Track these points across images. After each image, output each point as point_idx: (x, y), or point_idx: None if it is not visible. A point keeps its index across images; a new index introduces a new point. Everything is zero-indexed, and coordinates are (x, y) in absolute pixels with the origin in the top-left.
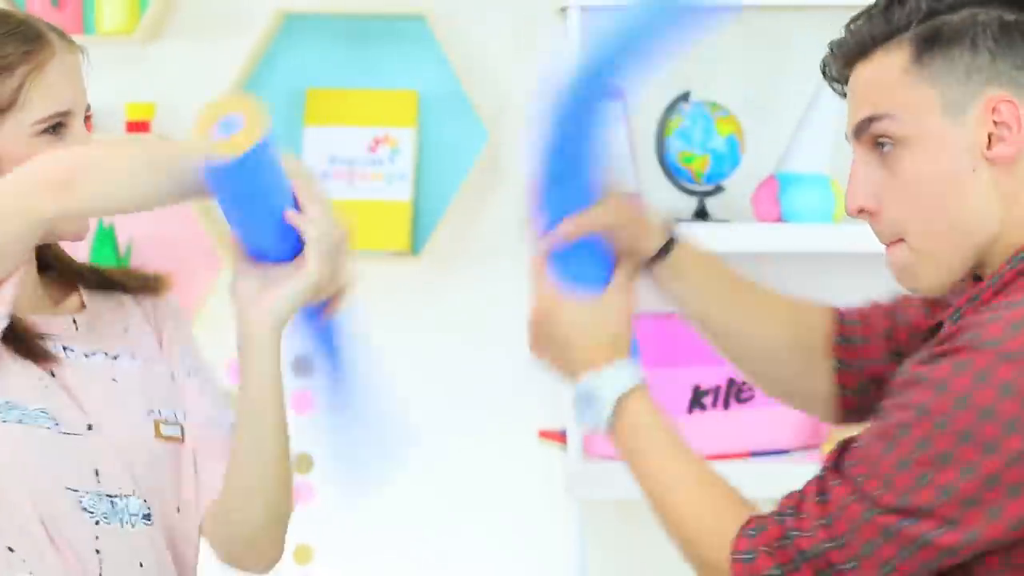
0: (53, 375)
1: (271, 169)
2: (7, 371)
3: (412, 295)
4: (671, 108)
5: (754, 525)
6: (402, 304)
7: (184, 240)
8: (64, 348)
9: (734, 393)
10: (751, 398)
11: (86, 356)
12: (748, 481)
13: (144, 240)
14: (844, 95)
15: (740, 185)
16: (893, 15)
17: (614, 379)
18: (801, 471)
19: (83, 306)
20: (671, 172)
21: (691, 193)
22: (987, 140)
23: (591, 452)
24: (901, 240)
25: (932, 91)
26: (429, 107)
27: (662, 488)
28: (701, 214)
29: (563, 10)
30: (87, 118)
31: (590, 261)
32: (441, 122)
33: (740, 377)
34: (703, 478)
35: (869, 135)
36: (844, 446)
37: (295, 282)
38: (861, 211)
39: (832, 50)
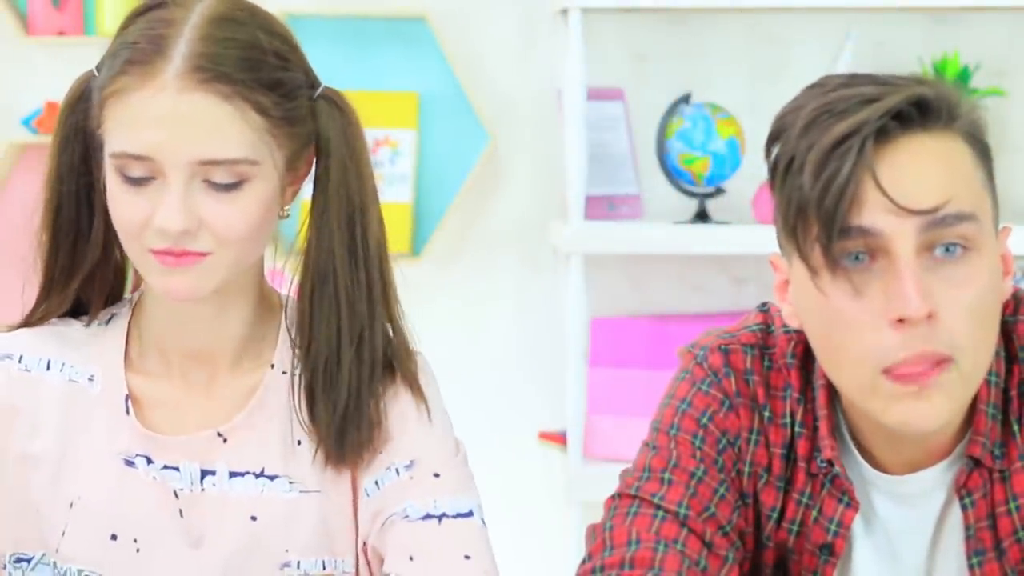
0: (177, 495)
1: None
2: (134, 481)
3: (412, 296)
4: (672, 110)
5: None
6: (402, 305)
7: None
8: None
9: None
10: None
11: (231, 477)
12: None
13: None
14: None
15: (741, 187)
16: (946, 98)
17: None
18: None
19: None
20: (672, 174)
21: (692, 195)
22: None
23: (591, 454)
24: (951, 360)
25: (989, 200)
26: (429, 109)
27: None
28: (702, 216)
29: (563, 12)
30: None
31: None
32: (441, 124)
33: None
34: None
35: (941, 233)
36: None
37: None
38: (930, 316)
39: (899, 105)
